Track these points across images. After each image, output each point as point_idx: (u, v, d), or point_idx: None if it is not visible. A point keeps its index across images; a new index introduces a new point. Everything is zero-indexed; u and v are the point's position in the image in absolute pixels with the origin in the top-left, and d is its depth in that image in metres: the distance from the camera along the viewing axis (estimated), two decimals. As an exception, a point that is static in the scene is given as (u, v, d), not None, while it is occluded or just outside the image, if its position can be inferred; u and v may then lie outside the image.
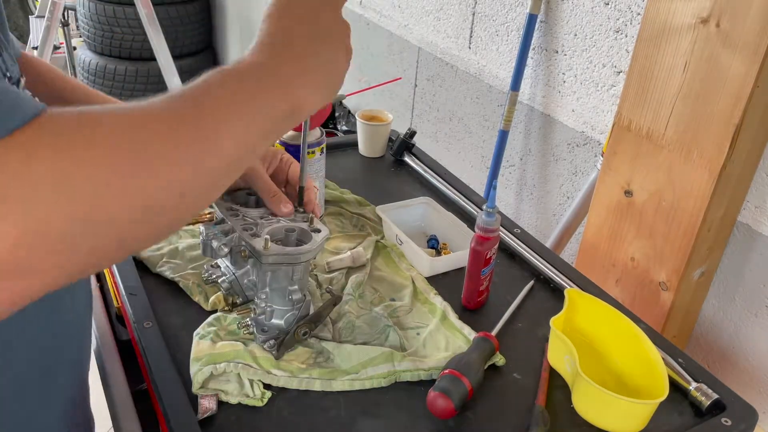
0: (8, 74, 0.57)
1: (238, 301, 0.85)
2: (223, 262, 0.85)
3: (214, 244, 0.78)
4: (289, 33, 0.56)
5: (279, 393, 0.76)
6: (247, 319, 0.80)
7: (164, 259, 0.94)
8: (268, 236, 0.74)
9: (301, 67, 0.54)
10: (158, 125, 0.42)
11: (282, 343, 0.78)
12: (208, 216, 0.83)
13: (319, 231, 0.77)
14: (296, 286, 0.78)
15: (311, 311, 0.82)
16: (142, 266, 0.94)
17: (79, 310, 0.65)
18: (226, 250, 0.78)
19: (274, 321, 0.79)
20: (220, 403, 0.73)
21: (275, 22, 0.56)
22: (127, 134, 0.39)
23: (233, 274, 0.83)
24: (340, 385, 0.77)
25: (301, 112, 0.54)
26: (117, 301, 0.96)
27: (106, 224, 0.38)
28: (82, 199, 0.36)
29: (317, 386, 0.76)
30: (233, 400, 0.73)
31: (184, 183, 0.41)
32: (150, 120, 0.42)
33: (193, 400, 0.72)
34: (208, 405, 0.72)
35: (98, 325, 0.94)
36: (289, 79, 0.52)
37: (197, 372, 0.73)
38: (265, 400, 0.74)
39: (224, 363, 0.74)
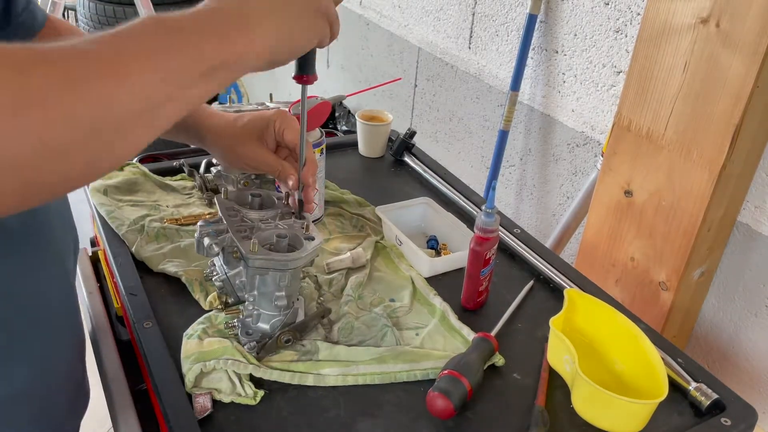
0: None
1: (230, 301, 0.84)
2: (218, 261, 0.85)
3: (206, 241, 0.77)
4: None
5: (278, 392, 0.76)
6: (235, 320, 0.80)
7: (166, 259, 0.94)
8: (256, 240, 0.73)
9: (244, 18, 0.52)
10: (70, 59, 0.41)
11: (263, 347, 0.78)
12: (208, 215, 0.83)
13: (312, 239, 0.77)
14: (283, 293, 0.77)
15: (300, 317, 0.82)
16: (142, 266, 0.94)
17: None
18: (217, 249, 0.77)
19: (260, 325, 0.79)
20: (219, 403, 0.73)
21: None
22: (31, 66, 0.38)
23: (225, 273, 0.83)
24: (333, 380, 0.77)
25: (239, 65, 0.52)
26: (117, 301, 0.96)
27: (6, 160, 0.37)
28: None
29: (311, 381, 0.76)
30: (226, 399, 0.73)
31: (93, 119, 0.41)
32: (65, 54, 0.41)
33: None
34: (203, 403, 0.72)
35: (98, 325, 0.94)
36: (223, 29, 0.50)
37: (188, 370, 0.74)
38: (258, 399, 0.74)
39: (213, 360, 0.74)
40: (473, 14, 1.81)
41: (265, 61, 0.55)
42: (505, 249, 1.06)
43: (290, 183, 0.79)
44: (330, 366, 0.77)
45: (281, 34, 0.56)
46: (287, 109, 1.01)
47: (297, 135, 0.80)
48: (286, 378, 0.76)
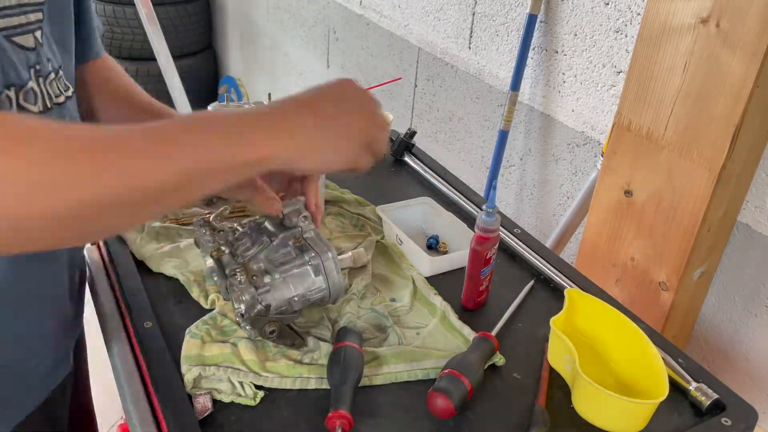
0: (37, 66, 0.63)
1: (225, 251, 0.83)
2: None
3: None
4: (293, 101, 0.60)
5: (278, 392, 0.76)
6: (237, 282, 0.78)
7: (166, 258, 0.94)
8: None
9: (278, 124, 0.57)
10: (108, 140, 0.47)
11: (250, 318, 0.77)
12: (208, 214, 0.83)
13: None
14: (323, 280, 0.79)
15: (299, 314, 0.82)
16: (142, 266, 0.94)
17: None
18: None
19: (267, 297, 0.78)
20: (219, 403, 0.73)
21: (288, 98, 0.61)
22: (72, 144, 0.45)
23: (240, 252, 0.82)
24: None
25: (269, 164, 0.57)
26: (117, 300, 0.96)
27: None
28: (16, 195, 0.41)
29: (313, 384, 0.76)
30: (226, 399, 0.73)
31: (120, 194, 0.46)
32: (104, 137, 0.47)
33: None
34: (204, 404, 0.72)
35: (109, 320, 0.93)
36: (257, 132, 0.55)
37: (187, 371, 0.74)
38: (258, 400, 0.74)
39: (213, 366, 0.74)
40: (473, 14, 1.81)
41: (290, 168, 0.60)
42: (505, 249, 1.06)
43: (272, 210, 0.77)
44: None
45: (309, 149, 0.60)
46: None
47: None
48: (286, 384, 0.76)
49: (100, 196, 0.45)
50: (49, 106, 0.64)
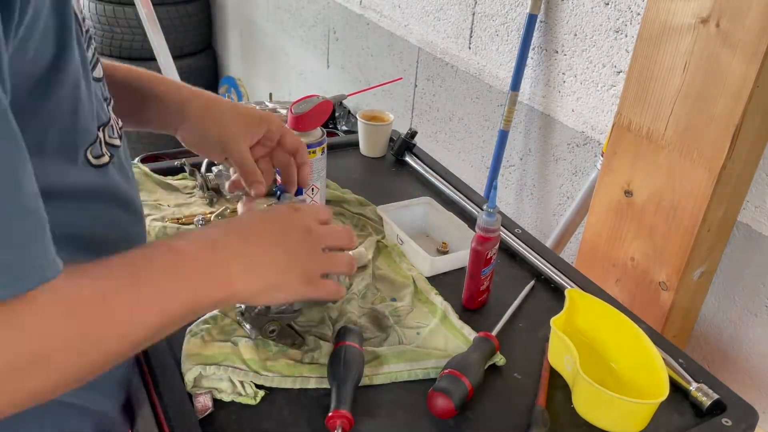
0: (105, 96, 0.61)
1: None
2: None
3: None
4: (253, 228, 0.63)
5: (279, 392, 0.76)
6: None
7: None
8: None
9: (243, 266, 0.59)
10: (97, 294, 0.48)
11: (251, 317, 0.77)
12: (209, 213, 0.83)
13: None
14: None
15: (299, 313, 0.82)
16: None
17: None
18: None
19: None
20: (220, 402, 0.73)
21: (250, 215, 0.65)
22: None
23: None
24: None
25: (226, 304, 0.60)
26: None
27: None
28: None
29: (313, 384, 0.76)
30: (227, 398, 0.73)
31: (105, 348, 0.48)
32: (95, 289, 0.48)
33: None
34: (204, 402, 0.72)
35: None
36: (228, 272, 0.57)
37: (187, 371, 0.73)
38: (258, 399, 0.74)
39: (213, 366, 0.74)
40: (473, 14, 1.81)
41: (252, 299, 0.64)
42: (505, 249, 1.06)
43: (254, 192, 0.78)
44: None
45: (262, 289, 0.62)
46: (289, 109, 1.01)
47: (296, 140, 0.80)
48: (287, 383, 0.76)
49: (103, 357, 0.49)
50: (120, 133, 0.63)
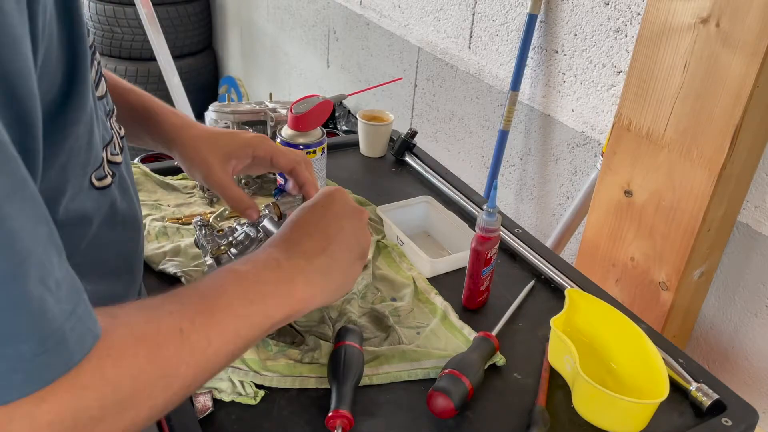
0: (108, 111, 0.60)
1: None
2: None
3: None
4: (303, 238, 0.63)
5: (278, 391, 0.76)
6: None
7: (166, 258, 0.94)
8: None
9: (307, 277, 0.60)
10: (170, 332, 0.47)
11: None
12: (209, 213, 0.83)
13: None
14: None
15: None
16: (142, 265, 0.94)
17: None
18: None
19: None
20: (220, 402, 0.73)
21: (293, 225, 0.64)
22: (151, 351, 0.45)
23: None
24: None
25: (300, 314, 0.60)
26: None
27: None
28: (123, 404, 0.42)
29: (312, 384, 0.76)
30: (227, 398, 0.73)
31: (186, 379, 0.47)
32: (164, 328, 0.47)
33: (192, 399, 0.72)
34: (204, 403, 0.72)
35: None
36: (294, 287, 0.58)
37: None
38: (258, 399, 0.74)
39: None
40: (473, 14, 1.81)
41: (315, 308, 0.63)
42: (505, 249, 1.06)
43: (249, 216, 0.79)
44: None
45: (332, 290, 0.64)
46: (289, 109, 1.01)
47: (290, 160, 0.80)
48: (287, 383, 0.76)
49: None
50: (122, 146, 0.62)
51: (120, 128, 0.64)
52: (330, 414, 0.70)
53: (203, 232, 0.83)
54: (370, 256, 0.99)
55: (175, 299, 0.49)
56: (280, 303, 0.56)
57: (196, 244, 0.85)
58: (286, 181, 1.01)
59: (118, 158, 0.60)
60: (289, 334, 0.80)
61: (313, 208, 0.66)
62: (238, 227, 0.84)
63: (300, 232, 0.64)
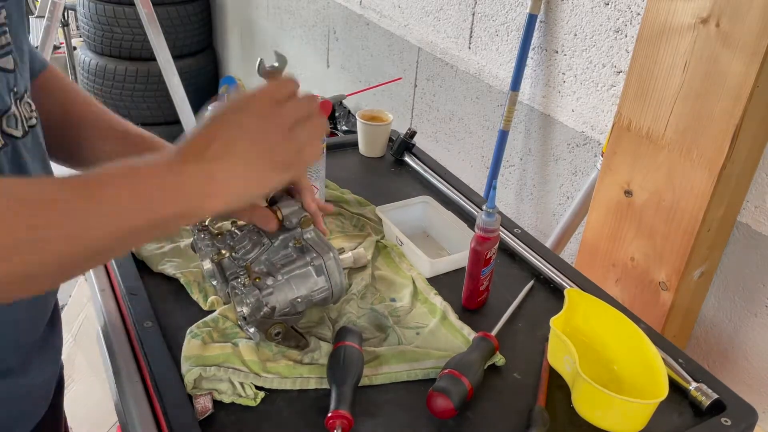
0: (15, 89, 0.60)
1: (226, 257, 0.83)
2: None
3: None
4: (209, 138, 0.59)
5: (278, 392, 0.76)
6: (240, 285, 0.77)
7: (166, 258, 0.94)
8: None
9: (206, 176, 0.57)
10: (47, 200, 0.49)
11: (256, 321, 0.77)
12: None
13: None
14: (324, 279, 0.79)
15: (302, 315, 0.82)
16: (142, 266, 0.94)
17: None
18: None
19: (270, 298, 0.78)
20: (220, 404, 0.73)
21: (201, 127, 0.60)
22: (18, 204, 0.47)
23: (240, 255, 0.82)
24: None
25: (197, 215, 0.58)
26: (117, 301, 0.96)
27: None
28: None
29: (313, 384, 0.76)
30: (227, 399, 0.73)
31: (61, 253, 0.49)
32: (42, 192, 0.50)
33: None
34: (204, 404, 0.72)
35: (110, 321, 0.93)
36: (185, 189, 0.56)
37: (187, 372, 0.73)
38: (258, 400, 0.74)
39: (214, 367, 0.74)
40: (473, 14, 1.81)
41: (227, 208, 0.60)
42: (505, 249, 1.06)
43: (271, 227, 0.77)
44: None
45: (232, 194, 0.60)
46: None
47: None
48: (287, 385, 0.76)
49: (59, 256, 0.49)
50: (26, 129, 0.62)
51: (32, 113, 0.64)
52: (329, 414, 0.70)
53: (201, 235, 0.83)
54: (369, 256, 0.99)
55: (58, 180, 0.51)
56: (168, 199, 0.55)
57: (193, 248, 0.85)
58: None
59: (16, 132, 0.60)
60: (293, 338, 0.80)
61: (233, 100, 0.62)
62: (237, 231, 0.84)
63: (201, 135, 0.60)
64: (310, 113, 0.65)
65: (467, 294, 0.92)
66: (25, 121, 0.62)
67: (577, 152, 1.57)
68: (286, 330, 0.79)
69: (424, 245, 1.07)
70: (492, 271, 0.91)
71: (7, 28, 0.59)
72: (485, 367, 0.79)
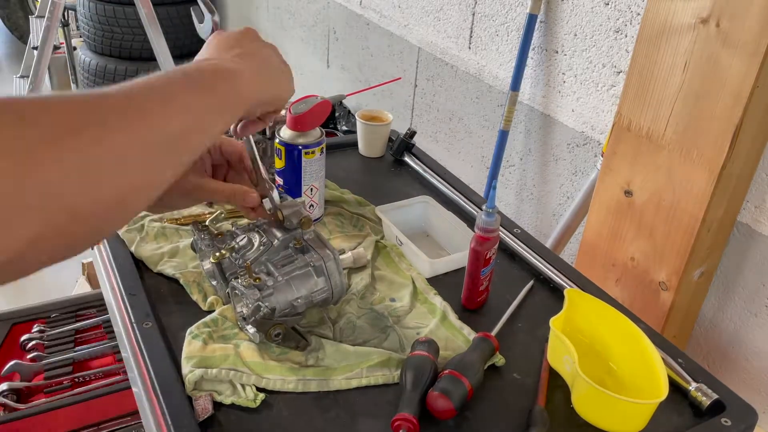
0: None
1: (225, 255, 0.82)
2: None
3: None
4: (223, 49, 0.64)
5: (278, 393, 0.76)
6: (240, 285, 0.77)
7: (165, 258, 0.94)
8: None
9: (238, 65, 0.60)
10: (104, 102, 0.44)
11: (256, 321, 0.76)
12: (208, 214, 0.83)
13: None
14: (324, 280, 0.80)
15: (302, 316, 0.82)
16: (142, 266, 0.94)
17: None
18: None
19: (271, 299, 0.77)
20: (220, 404, 0.73)
21: (210, 45, 0.65)
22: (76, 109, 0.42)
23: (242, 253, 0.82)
24: (336, 384, 0.76)
25: (237, 107, 0.59)
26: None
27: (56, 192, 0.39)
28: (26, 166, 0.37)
29: (314, 387, 0.76)
30: (227, 401, 0.73)
31: (123, 148, 0.44)
32: (99, 98, 0.44)
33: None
34: (204, 405, 0.72)
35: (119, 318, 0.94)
36: (227, 74, 0.58)
37: (188, 373, 0.73)
38: (258, 402, 0.74)
39: (216, 369, 0.74)
40: (473, 14, 1.81)
41: (255, 103, 0.64)
42: (505, 249, 1.06)
43: (250, 201, 0.76)
44: (337, 374, 0.77)
45: (266, 83, 0.64)
46: (287, 108, 1.01)
47: (235, 145, 0.78)
48: (289, 386, 0.76)
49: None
50: None
51: None
52: (395, 417, 0.70)
53: (201, 235, 0.83)
54: (368, 256, 0.99)
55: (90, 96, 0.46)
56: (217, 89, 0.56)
57: (193, 248, 0.84)
58: (285, 182, 1.01)
59: None
60: (293, 339, 0.80)
61: (229, 33, 0.67)
62: (238, 231, 0.84)
63: (220, 46, 0.64)
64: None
65: (467, 294, 0.92)
66: None
67: (577, 152, 1.57)
68: (286, 331, 0.79)
69: (424, 245, 1.07)
70: (492, 271, 0.91)
71: None
72: (485, 368, 0.79)
